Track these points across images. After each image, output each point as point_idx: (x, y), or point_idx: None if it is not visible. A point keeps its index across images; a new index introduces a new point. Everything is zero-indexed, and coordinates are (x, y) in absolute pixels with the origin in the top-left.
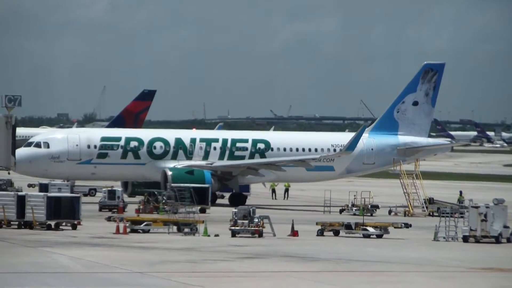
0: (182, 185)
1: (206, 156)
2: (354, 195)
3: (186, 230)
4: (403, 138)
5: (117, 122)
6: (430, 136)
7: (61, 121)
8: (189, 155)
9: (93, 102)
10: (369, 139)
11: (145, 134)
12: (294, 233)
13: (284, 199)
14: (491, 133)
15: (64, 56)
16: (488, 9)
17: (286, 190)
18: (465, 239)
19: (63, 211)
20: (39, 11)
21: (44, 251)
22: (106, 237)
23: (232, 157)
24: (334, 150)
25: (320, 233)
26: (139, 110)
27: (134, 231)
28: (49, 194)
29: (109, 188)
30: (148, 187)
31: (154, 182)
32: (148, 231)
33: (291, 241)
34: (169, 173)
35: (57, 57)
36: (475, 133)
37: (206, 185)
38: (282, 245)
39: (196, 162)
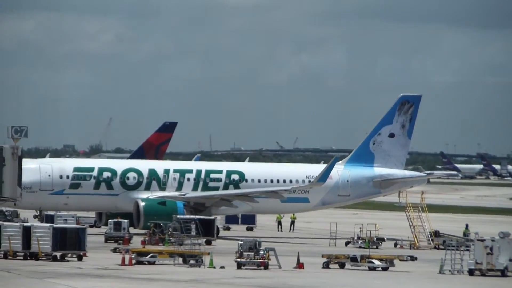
0: (187, 216)
1: (180, 187)
2: (360, 228)
3: (192, 261)
4: (379, 170)
5: (138, 154)
6: (436, 168)
7: (67, 152)
8: (162, 186)
9: (99, 133)
10: (344, 171)
11: (118, 165)
12: (300, 265)
13: (289, 231)
14: (497, 166)
15: (70, 87)
16: (495, 41)
17: (292, 222)
18: (471, 272)
19: (69, 242)
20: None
21: (49, 282)
22: (111, 268)
23: (206, 188)
24: (309, 181)
25: (326, 265)
26: (160, 142)
27: (139, 262)
28: (55, 225)
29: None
30: (122, 218)
31: (128, 213)
32: (153, 263)
33: (297, 273)
34: (142, 203)
35: (64, 88)
36: (481, 166)
37: (212, 217)
38: (288, 278)
39: (170, 193)
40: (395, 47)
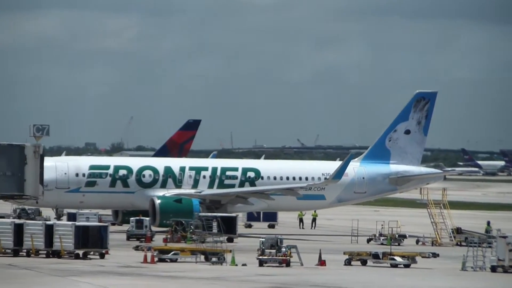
0: (209, 214)
1: (195, 184)
2: (382, 225)
3: (214, 259)
4: (395, 167)
5: (162, 152)
6: (458, 165)
7: (89, 150)
8: (178, 184)
9: (120, 131)
10: (360, 168)
11: (134, 162)
12: (322, 262)
13: (311, 228)
14: None
15: (91, 85)
16: None
17: (314, 220)
18: (493, 269)
19: (91, 240)
20: (67, 41)
21: (71, 280)
22: (133, 266)
23: (221, 185)
24: (325, 178)
25: (348, 262)
26: (184, 140)
27: (161, 260)
28: (77, 223)
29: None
30: (135, 216)
31: (144, 211)
32: (175, 260)
33: (319, 270)
34: (157, 201)
35: (85, 86)
36: (503, 162)
37: (234, 215)
38: (310, 275)
39: (186, 190)
40: (415, 43)
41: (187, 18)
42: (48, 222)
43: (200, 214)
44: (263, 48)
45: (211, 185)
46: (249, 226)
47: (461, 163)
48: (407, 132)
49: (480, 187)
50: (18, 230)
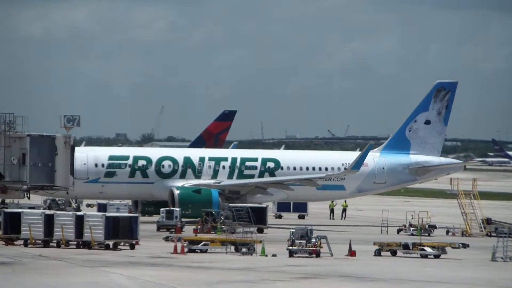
0: (239, 205)
1: (215, 175)
2: (412, 215)
3: (244, 250)
4: (415, 157)
5: (198, 143)
6: (488, 156)
7: (120, 141)
8: (197, 174)
9: (151, 122)
10: (380, 158)
11: (154, 153)
12: (352, 253)
13: (341, 219)
14: None
15: (122, 76)
16: None
17: (344, 210)
18: None
19: (121, 231)
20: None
21: (102, 271)
22: (164, 257)
23: (241, 176)
24: (345, 169)
25: (378, 253)
26: (220, 130)
27: (192, 251)
28: (108, 214)
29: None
30: (158, 206)
31: (163, 201)
32: (206, 251)
33: (349, 261)
34: (176, 192)
35: (116, 77)
36: None
37: (264, 205)
38: (340, 265)
39: (205, 181)
40: (446, 33)
41: (218, 9)
42: (78, 213)
43: (231, 204)
44: (293, 39)
45: (230, 176)
46: (279, 216)
47: (491, 154)
48: (427, 122)
49: (510, 177)
50: (49, 221)
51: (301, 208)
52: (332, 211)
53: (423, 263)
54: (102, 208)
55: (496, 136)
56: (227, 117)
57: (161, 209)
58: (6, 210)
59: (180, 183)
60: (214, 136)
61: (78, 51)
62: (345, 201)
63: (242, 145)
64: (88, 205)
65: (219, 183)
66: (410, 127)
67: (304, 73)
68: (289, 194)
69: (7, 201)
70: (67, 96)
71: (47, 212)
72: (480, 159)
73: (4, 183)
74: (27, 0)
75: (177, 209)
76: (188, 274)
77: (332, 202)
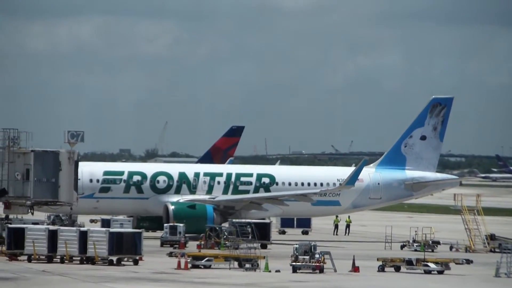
0: (243, 220)
1: (210, 190)
2: (415, 231)
3: (247, 265)
4: (410, 173)
5: (206, 158)
6: (492, 171)
7: (123, 157)
8: (192, 190)
9: (155, 137)
10: (375, 174)
11: (148, 168)
12: (355, 268)
13: (345, 234)
14: None
15: (126, 91)
16: None
17: (347, 226)
18: None
19: (125, 247)
20: (102, 46)
21: (105, 286)
22: (167, 272)
23: (236, 191)
24: (340, 184)
25: (381, 269)
26: (228, 146)
27: (195, 266)
28: (111, 230)
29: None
30: (152, 222)
31: (159, 217)
32: (209, 267)
33: (352, 276)
34: (171, 207)
35: (120, 92)
36: None
37: (268, 221)
38: (343, 281)
39: (200, 196)
40: (450, 48)
41: (222, 24)
42: (82, 228)
43: (234, 220)
44: (297, 54)
45: (225, 191)
46: (283, 232)
47: (495, 169)
48: (423, 138)
49: None
50: (52, 236)
51: (304, 223)
52: (336, 226)
53: (427, 279)
54: (106, 223)
55: (500, 152)
56: (235, 132)
57: (165, 224)
58: (10, 225)
59: (175, 198)
60: (222, 151)
61: (82, 66)
62: (349, 217)
63: (246, 161)
64: (92, 221)
65: (214, 198)
66: (406, 142)
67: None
68: (284, 209)
69: (11, 216)
70: (71, 112)
71: (51, 227)
72: (483, 174)
73: (8, 198)
74: (32, 15)
75: (181, 224)
76: None
77: (336, 217)
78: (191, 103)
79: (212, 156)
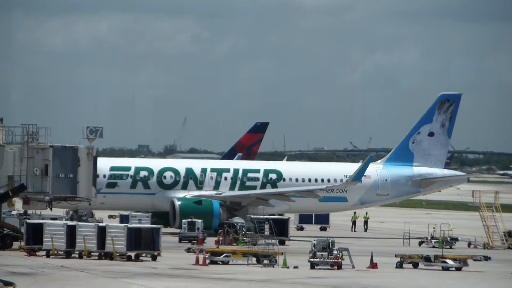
0: (261, 216)
1: (217, 186)
2: (434, 228)
3: (265, 261)
4: (418, 169)
5: (230, 155)
6: (510, 168)
7: (142, 153)
8: (199, 185)
9: (174, 133)
10: (383, 170)
11: (155, 164)
12: (373, 265)
13: (364, 231)
14: None
15: (145, 87)
16: None
17: (365, 222)
18: None
19: (143, 242)
20: (121, 43)
21: (124, 282)
22: (185, 268)
23: (243, 187)
24: (347, 181)
25: (399, 265)
26: (252, 143)
27: (213, 262)
28: (130, 225)
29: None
30: (160, 218)
31: (165, 212)
32: (227, 263)
33: (370, 273)
34: (177, 203)
35: (139, 88)
36: None
37: (286, 217)
38: (361, 277)
39: (206, 192)
40: (468, 46)
41: (241, 21)
42: (100, 224)
43: (252, 216)
44: (316, 51)
45: (232, 187)
46: (301, 228)
47: None
48: (431, 134)
49: None
50: (71, 232)
51: (323, 220)
52: (354, 223)
53: (445, 275)
54: (124, 219)
55: None
56: (260, 129)
57: (183, 220)
58: (28, 221)
59: (182, 194)
60: (246, 148)
61: (101, 62)
62: (366, 213)
63: (263, 157)
64: (110, 216)
65: (220, 194)
66: (414, 139)
67: (327, 84)
68: (291, 205)
69: (29, 212)
70: (90, 108)
71: (69, 223)
72: (502, 171)
73: (27, 194)
74: (51, 11)
75: (199, 220)
76: (209, 286)
77: (354, 214)
78: (210, 99)
79: (236, 152)
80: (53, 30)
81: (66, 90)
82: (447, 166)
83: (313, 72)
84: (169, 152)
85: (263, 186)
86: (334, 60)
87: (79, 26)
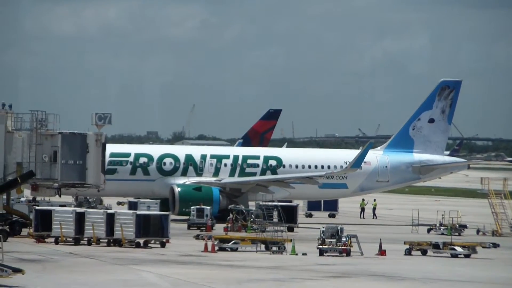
0: (270, 203)
1: (216, 172)
2: (442, 215)
3: (274, 248)
4: (418, 156)
5: (244, 141)
6: None
7: (151, 139)
8: (199, 172)
9: (183, 120)
10: (383, 157)
11: (155, 150)
12: (382, 252)
13: (373, 218)
14: None
15: (154, 74)
16: None
17: (373, 209)
18: None
19: (152, 229)
20: (130, 30)
21: (132, 268)
22: (194, 255)
23: (243, 174)
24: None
25: (408, 252)
26: (265, 129)
27: (222, 249)
28: (138, 212)
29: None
30: (162, 204)
31: (164, 199)
32: (236, 250)
33: (379, 260)
34: (177, 189)
35: (148, 75)
36: None
37: (295, 204)
38: (370, 264)
39: (206, 178)
40: (477, 33)
41: (249, 8)
42: (109, 211)
43: (261, 203)
44: (324, 37)
45: (232, 173)
46: (310, 215)
47: None
48: (431, 120)
49: None
50: (80, 219)
51: (331, 206)
52: (362, 210)
53: (454, 262)
54: (133, 206)
55: None
56: (272, 116)
57: (192, 207)
58: (37, 207)
59: (181, 180)
60: (259, 135)
61: (110, 49)
62: (374, 200)
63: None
64: (119, 203)
65: (220, 180)
66: (414, 125)
67: (335, 71)
68: (291, 192)
69: (38, 198)
70: (99, 94)
71: (78, 209)
72: (510, 158)
73: (36, 180)
74: None
75: (208, 207)
76: (218, 272)
77: (363, 201)
78: (218, 86)
79: (250, 138)
80: (61, 16)
81: (75, 76)
82: (456, 153)
83: (321, 58)
84: (177, 138)
85: (263, 172)
86: (342, 46)
87: (88, 12)
